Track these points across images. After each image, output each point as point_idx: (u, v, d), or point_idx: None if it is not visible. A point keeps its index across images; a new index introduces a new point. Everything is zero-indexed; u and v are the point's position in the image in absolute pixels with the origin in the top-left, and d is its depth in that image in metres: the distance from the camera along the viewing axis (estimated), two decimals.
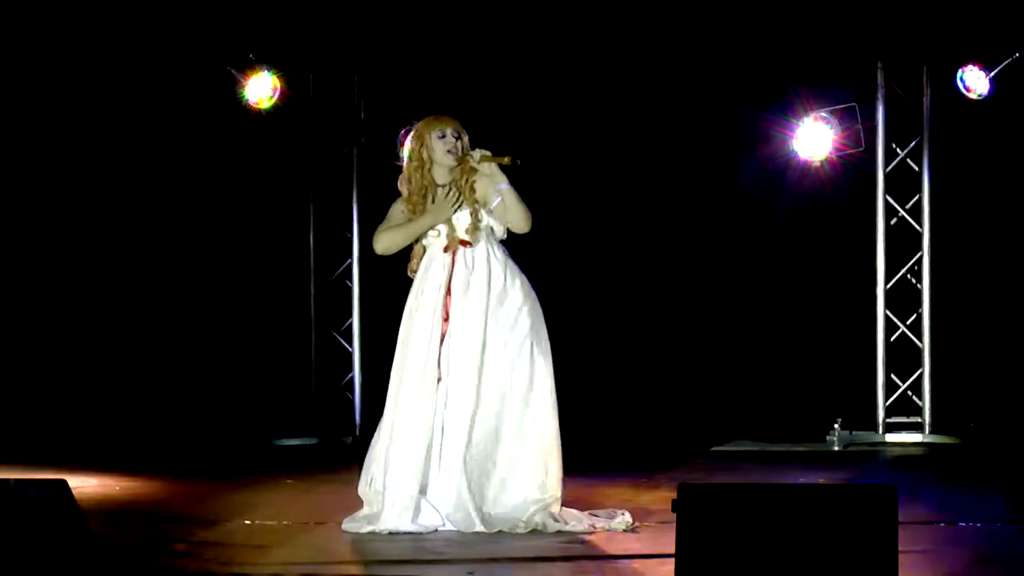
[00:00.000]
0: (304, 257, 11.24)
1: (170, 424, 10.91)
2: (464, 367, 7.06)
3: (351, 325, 11.24)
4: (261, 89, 10.71)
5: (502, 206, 7.14)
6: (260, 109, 10.76)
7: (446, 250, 7.15)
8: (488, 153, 7.12)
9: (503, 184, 7.10)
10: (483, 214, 7.15)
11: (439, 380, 7.07)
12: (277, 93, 10.74)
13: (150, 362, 11.09)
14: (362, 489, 7.16)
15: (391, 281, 10.86)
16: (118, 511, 7.86)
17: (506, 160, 7.09)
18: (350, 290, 11.27)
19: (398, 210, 7.30)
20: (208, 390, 11.02)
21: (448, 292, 7.11)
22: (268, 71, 10.70)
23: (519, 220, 7.12)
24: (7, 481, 5.75)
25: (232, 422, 10.95)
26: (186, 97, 10.88)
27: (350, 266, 11.26)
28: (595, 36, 10.85)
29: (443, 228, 7.16)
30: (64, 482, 5.74)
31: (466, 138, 7.22)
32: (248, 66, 10.68)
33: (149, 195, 11.09)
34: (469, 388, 7.04)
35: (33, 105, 10.92)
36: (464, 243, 7.14)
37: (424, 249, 7.24)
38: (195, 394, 11.02)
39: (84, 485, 8.67)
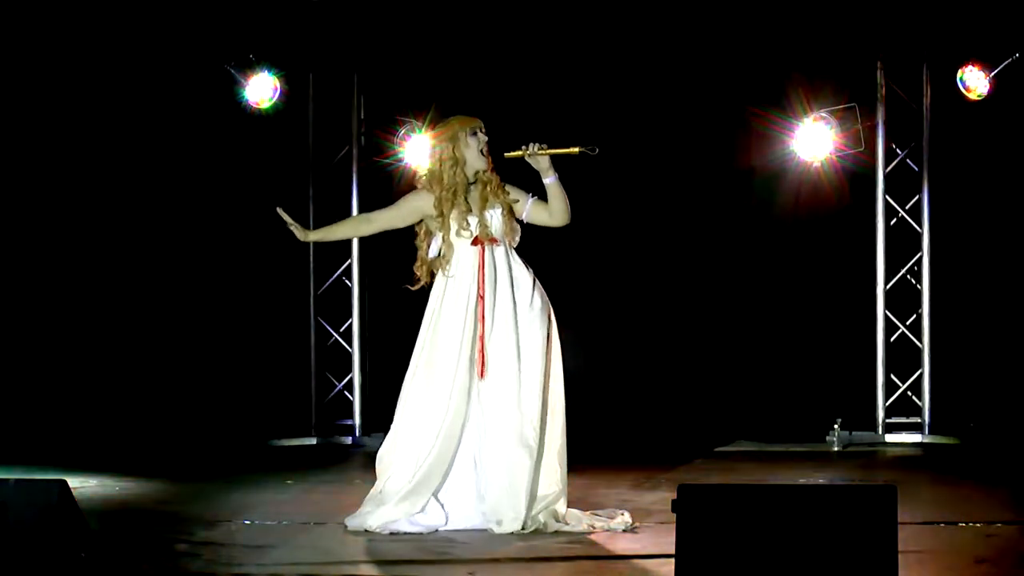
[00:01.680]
0: (303, 257, 11.23)
1: (170, 425, 10.90)
2: (504, 369, 7.09)
3: (351, 325, 11.24)
4: (261, 89, 10.72)
5: (538, 205, 7.24)
6: (260, 109, 10.76)
7: (474, 243, 7.19)
8: (545, 146, 7.16)
9: (551, 178, 7.19)
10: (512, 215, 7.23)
11: (482, 377, 7.10)
12: (277, 93, 10.74)
13: (149, 362, 11.08)
14: (377, 487, 7.17)
15: (391, 282, 10.87)
16: (118, 511, 7.87)
17: (574, 150, 7.15)
18: (349, 290, 11.27)
19: (410, 202, 7.32)
20: (208, 390, 11.02)
21: (480, 292, 7.14)
22: (268, 71, 10.70)
23: (563, 213, 7.26)
24: (7, 481, 5.75)
25: (232, 422, 10.94)
26: (186, 97, 10.88)
27: (350, 266, 11.25)
28: (597, 35, 10.85)
29: (474, 223, 7.19)
30: (64, 482, 5.74)
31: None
32: (248, 66, 10.68)
33: (149, 195, 11.08)
34: (511, 391, 7.07)
35: (34, 106, 10.91)
36: (493, 240, 7.18)
37: (427, 257, 7.26)
38: (195, 395, 11.01)
39: (84, 485, 8.67)
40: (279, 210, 7.35)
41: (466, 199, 7.24)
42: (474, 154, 7.23)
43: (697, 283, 11.19)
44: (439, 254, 7.26)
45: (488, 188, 7.24)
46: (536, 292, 7.22)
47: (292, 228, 7.39)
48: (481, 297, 7.16)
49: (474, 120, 7.29)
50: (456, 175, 7.24)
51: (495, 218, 7.22)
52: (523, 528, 6.97)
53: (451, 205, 7.23)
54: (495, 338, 7.13)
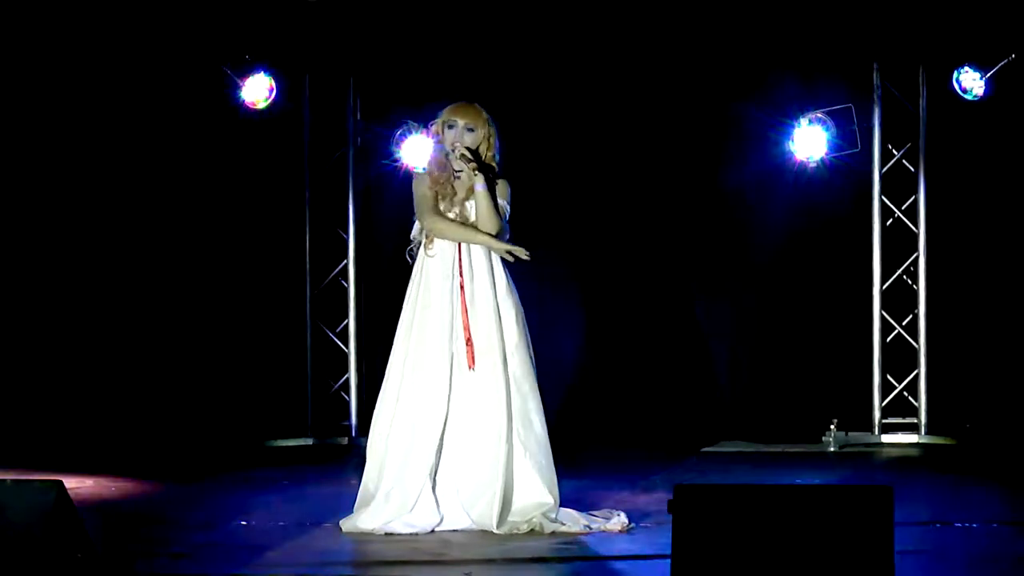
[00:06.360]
0: (299, 258, 11.23)
1: (166, 426, 10.89)
2: (488, 359, 7.08)
3: (347, 326, 11.23)
4: (257, 90, 10.71)
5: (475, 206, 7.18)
6: (256, 109, 10.76)
7: None
8: (466, 153, 7.13)
9: (479, 186, 7.13)
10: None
11: (472, 368, 7.09)
12: (273, 94, 10.74)
13: (145, 364, 11.06)
14: (365, 486, 7.17)
15: (387, 282, 10.88)
16: (114, 513, 7.86)
17: (471, 166, 7.11)
18: (346, 291, 11.26)
19: (424, 188, 7.30)
20: (204, 391, 11.01)
21: (461, 282, 7.13)
22: (264, 71, 10.70)
23: (485, 226, 7.15)
24: (4, 482, 5.74)
25: (228, 423, 10.93)
26: (182, 98, 10.87)
27: (346, 267, 11.25)
28: (592, 38, 10.85)
29: (454, 213, 7.19)
30: (60, 483, 5.74)
31: (485, 129, 7.22)
32: (244, 67, 10.68)
33: (145, 196, 11.07)
34: (498, 383, 7.06)
35: (31, 106, 10.90)
36: None
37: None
38: (190, 395, 11.00)
39: (80, 487, 8.66)
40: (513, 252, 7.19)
41: (452, 185, 7.24)
42: (447, 142, 7.21)
43: (694, 283, 11.19)
44: (422, 232, 7.25)
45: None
46: (511, 291, 7.20)
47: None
48: (462, 287, 7.16)
49: (457, 111, 7.22)
50: (439, 160, 7.24)
51: (473, 209, 7.20)
52: (497, 527, 6.96)
53: (447, 191, 7.23)
54: (478, 329, 7.12)
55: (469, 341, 7.12)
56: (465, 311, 7.14)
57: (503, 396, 7.07)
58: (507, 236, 7.24)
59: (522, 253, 7.12)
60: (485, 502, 7.01)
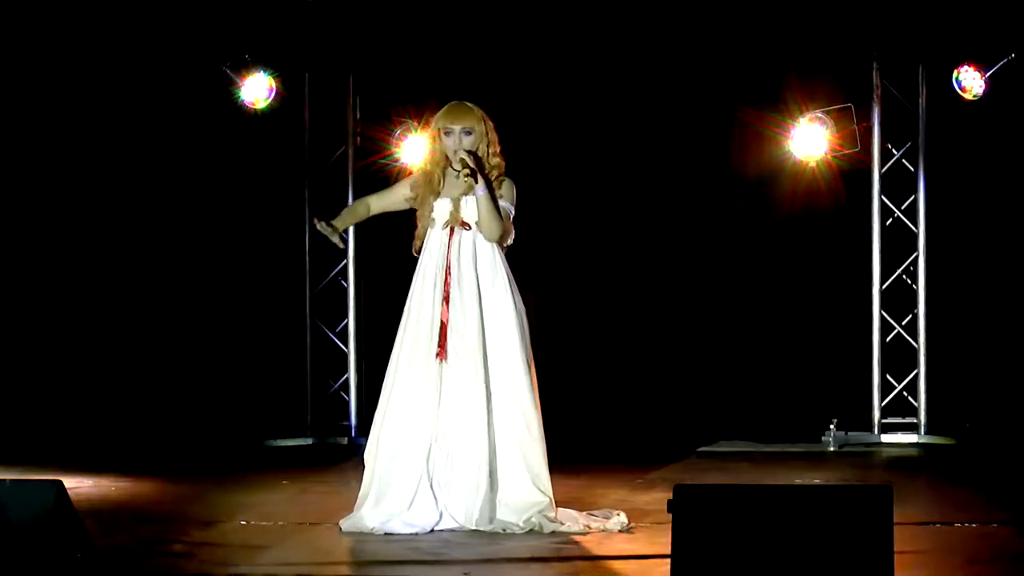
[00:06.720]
0: (299, 257, 11.23)
1: (165, 425, 10.90)
2: (470, 355, 7.08)
3: (347, 325, 11.24)
4: (256, 89, 10.72)
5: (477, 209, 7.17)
6: (255, 109, 10.76)
7: (444, 226, 7.19)
8: (466, 159, 7.10)
9: (479, 191, 7.11)
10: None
11: (443, 361, 7.08)
12: (272, 93, 10.74)
13: (145, 363, 11.08)
14: (364, 485, 7.18)
15: (386, 281, 10.90)
16: (114, 512, 7.86)
17: (464, 171, 7.10)
18: (345, 290, 11.27)
19: (399, 187, 7.42)
20: (203, 390, 11.01)
21: (447, 275, 7.13)
22: (263, 71, 10.70)
23: (487, 229, 7.15)
24: (3, 482, 5.75)
25: (227, 423, 10.94)
26: (182, 98, 10.88)
27: (345, 266, 11.25)
28: (592, 35, 10.86)
29: (448, 206, 7.18)
30: (60, 483, 5.74)
31: (481, 126, 7.18)
32: (244, 66, 10.68)
33: (145, 195, 11.09)
34: (478, 378, 7.05)
35: (31, 107, 10.90)
36: (464, 225, 7.17)
37: (426, 230, 7.26)
38: (190, 395, 11.01)
39: (79, 486, 8.66)
40: (318, 224, 7.36)
41: (441, 184, 7.23)
42: (449, 151, 7.20)
43: (694, 283, 11.19)
44: (425, 232, 7.27)
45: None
46: (501, 286, 7.16)
47: (333, 238, 7.39)
48: (446, 283, 7.15)
49: (453, 115, 7.19)
50: (433, 160, 7.24)
51: (469, 204, 7.19)
52: (479, 525, 6.96)
53: (422, 189, 7.23)
54: (458, 322, 7.11)
55: (443, 333, 7.10)
56: (447, 305, 7.12)
57: (482, 394, 7.05)
58: (512, 237, 7.24)
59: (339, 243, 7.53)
60: (471, 501, 7.01)
